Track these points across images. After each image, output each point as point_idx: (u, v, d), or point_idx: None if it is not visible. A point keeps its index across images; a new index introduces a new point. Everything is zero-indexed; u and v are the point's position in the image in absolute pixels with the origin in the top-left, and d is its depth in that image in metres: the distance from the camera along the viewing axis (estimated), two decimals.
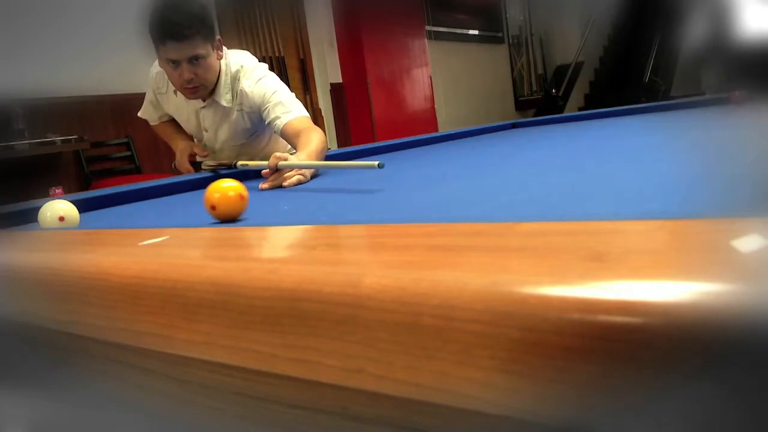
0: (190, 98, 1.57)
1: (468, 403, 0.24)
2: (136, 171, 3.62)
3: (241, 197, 0.72)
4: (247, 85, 1.56)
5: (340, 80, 5.17)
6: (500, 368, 0.23)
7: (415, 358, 0.26)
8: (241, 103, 1.58)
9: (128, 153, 3.65)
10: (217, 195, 0.71)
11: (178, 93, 1.59)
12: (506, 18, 7.71)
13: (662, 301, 0.21)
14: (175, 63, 1.45)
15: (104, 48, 3.23)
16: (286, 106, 1.52)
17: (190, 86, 1.49)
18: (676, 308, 0.20)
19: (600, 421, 0.21)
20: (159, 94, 1.71)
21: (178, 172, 1.71)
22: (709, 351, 0.19)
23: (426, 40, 5.81)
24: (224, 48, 1.57)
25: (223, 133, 1.65)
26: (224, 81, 1.56)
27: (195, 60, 1.45)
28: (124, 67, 3.12)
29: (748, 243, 0.25)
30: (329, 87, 5.13)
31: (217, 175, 1.46)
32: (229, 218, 0.72)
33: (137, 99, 1.86)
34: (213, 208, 0.71)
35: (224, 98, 1.57)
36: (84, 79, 3.27)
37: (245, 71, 1.58)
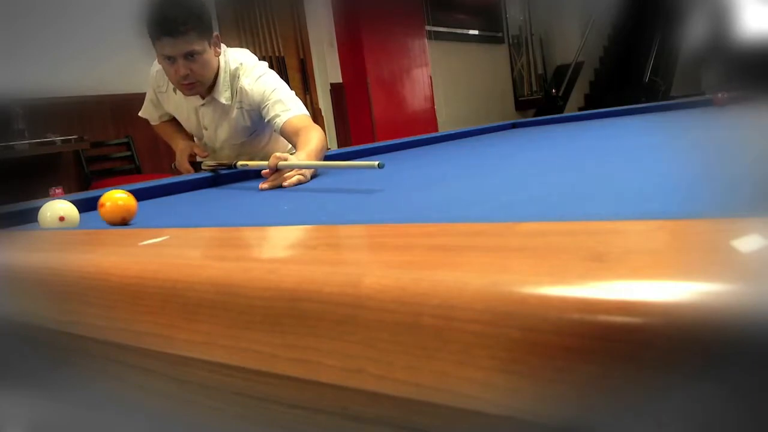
0: (186, 94, 1.57)
1: (468, 403, 0.24)
2: (136, 171, 3.62)
3: (128, 207, 0.84)
4: (246, 82, 1.56)
5: (340, 80, 5.17)
6: (500, 368, 0.23)
7: (415, 358, 0.26)
8: (240, 101, 1.58)
9: (128, 153, 3.65)
10: (108, 203, 0.82)
11: (178, 91, 1.59)
12: (506, 18, 7.71)
13: (662, 301, 0.21)
14: (171, 59, 1.45)
15: (104, 48, 3.23)
16: (285, 104, 1.52)
17: (186, 82, 1.49)
18: (676, 308, 0.20)
19: (600, 421, 0.21)
20: (159, 93, 1.72)
21: (178, 172, 1.71)
22: (709, 351, 0.19)
23: (426, 40, 5.81)
24: (223, 45, 1.57)
25: (223, 132, 1.65)
26: (223, 78, 1.56)
27: (190, 56, 1.45)
28: (124, 67, 3.12)
29: (748, 243, 0.25)
30: (329, 87, 5.13)
31: (217, 174, 1.46)
32: (118, 222, 0.83)
33: (137, 99, 1.86)
34: (102, 205, 0.82)
35: (223, 96, 1.57)
36: (84, 79, 3.27)
37: (245, 69, 1.57)
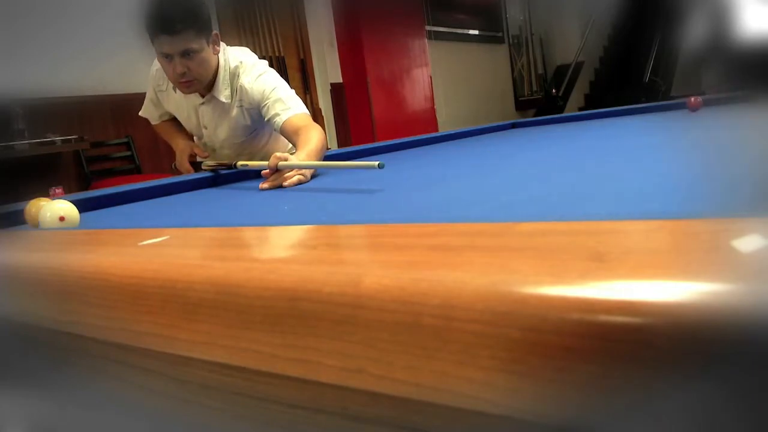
0: (184, 92, 1.57)
1: (468, 403, 0.24)
2: (136, 171, 3.62)
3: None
4: (246, 81, 1.56)
5: (340, 80, 5.17)
6: (500, 368, 0.23)
7: (415, 358, 0.26)
8: (240, 100, 1.58)
9: (128, 153, 3.65)
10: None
11: (178, 90, 1.59)
12: (506, 18, 7.71)
13: (662, 301, 0.21)
14: (169, 57, 1.45)
15: (104, 48, 3.23)
16: (285, 103, 1.52)
17: (184, 80, 1.49)
18: (676, 308, 0.20)
19: (600, 421, 0.21)
20: (159, 92, 1.72)
21: (178, 172, 1.71)
22: (709, 351, 0.19)
23: (426, 40, 5.81)
24: (223, 44, 1.57)
25: (223, 131, 1.65)
26: (223, 77, 1.56)
27: (188, 54, 1.45)
28: (124, 67, 3.12)
29: (748, 243, 0.25)
30: (329, 87, 5.13)
31: (217, 174, 1.46)
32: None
33: (137, 99, 1.86)
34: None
35: (223, 94, 1.57)
36: (84, 79, 3.27)
37: (244, 67, 1.57)
